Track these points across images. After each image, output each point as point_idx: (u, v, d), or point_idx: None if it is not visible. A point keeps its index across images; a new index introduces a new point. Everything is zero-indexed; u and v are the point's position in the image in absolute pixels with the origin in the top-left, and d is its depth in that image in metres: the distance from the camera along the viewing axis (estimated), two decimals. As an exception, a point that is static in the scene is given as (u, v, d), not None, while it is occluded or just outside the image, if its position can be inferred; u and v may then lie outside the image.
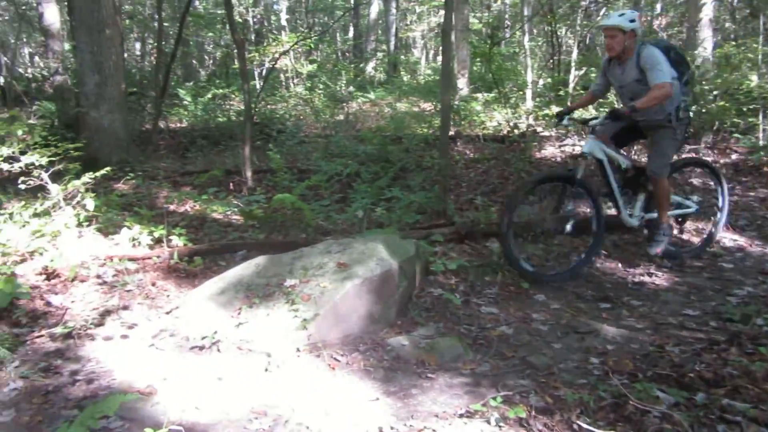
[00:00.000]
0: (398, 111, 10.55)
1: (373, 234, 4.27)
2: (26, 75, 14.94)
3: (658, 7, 16.07)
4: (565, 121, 4.67)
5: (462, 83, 11.04)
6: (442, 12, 18.68)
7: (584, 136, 4.41)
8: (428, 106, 11.95)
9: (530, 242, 4.56)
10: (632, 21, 4.16)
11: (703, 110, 7.80)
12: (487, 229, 4.84)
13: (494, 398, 2.55)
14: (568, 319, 3.59)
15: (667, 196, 4.51)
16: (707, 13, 8.88)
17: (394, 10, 18.18)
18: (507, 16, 18.27)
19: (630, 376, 2.71)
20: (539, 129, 8.69)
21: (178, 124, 11.10)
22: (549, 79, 10.90)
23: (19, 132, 4.65)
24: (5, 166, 4.47)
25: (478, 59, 12.73)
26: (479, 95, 10.56)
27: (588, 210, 4.66)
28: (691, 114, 4.59)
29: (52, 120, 9.98)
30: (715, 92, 8.08)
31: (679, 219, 4.94)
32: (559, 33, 11.05)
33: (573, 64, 10.62)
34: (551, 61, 11.41)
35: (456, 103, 9.05)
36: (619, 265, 4.62)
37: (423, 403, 2.62)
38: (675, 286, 4.23)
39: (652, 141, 4.57)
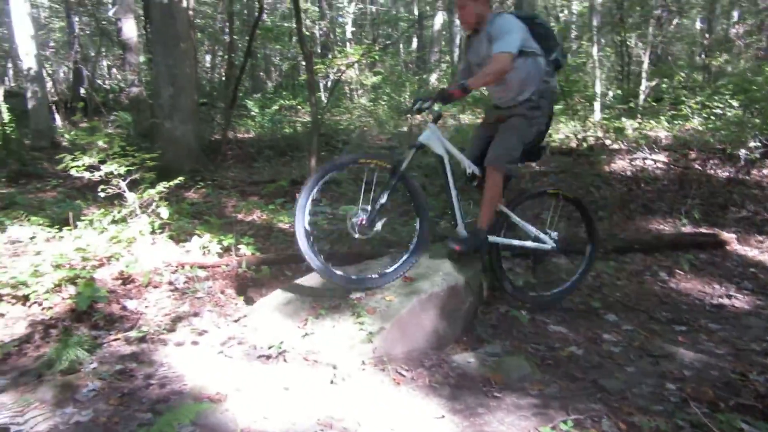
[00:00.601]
0: (462, 123, 10.48)
1: (438, 248, 4.23)
2: (104, 86, 15.72)
3: (735, 14, 15.41)
4: (417, 106, 3.65)
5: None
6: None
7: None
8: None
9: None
10: None
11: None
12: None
13: (564, 422, 2.47)
14: (642, 341, 3.45)
15: (496, 195, 3.69)
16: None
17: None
18: (574, 26, 17.93)
19: (710, 405, 2.58)
20: (608, 142, 8.45)
21: (246, 135, 11.39)
22: (618, 91, 10.59)
23: (100, 142, 4.87)
24: (86, 175, 4.68)
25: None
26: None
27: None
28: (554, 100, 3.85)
29: (128, 130, 10.45)
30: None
31: (533, 258, 4.15)
32: (629, 43, 10.75)
33: (644, 75, 10.30)
34: (621, 72, 11.11)
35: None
36: (696, 285, 4.41)
37: (490, 423, 2.57)
38: (758, 310, 4.01)
39: (499, 129, 3.77)
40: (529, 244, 3.91)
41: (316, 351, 3.14)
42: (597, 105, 9.76)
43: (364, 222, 3.47)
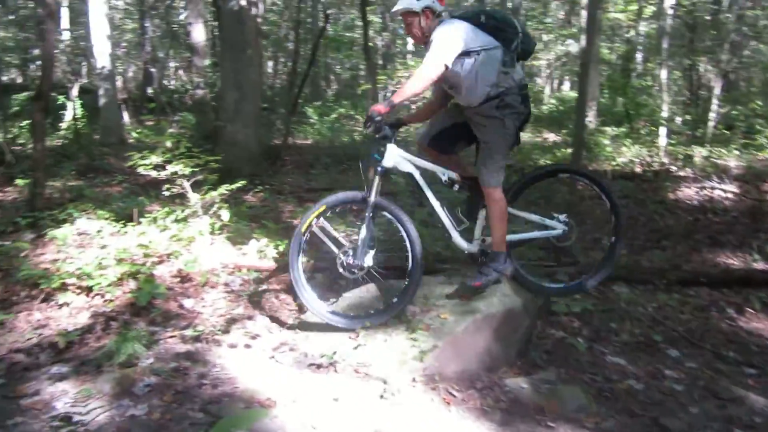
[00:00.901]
0: (526, 140, 10.34)
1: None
2: (170, 87, 16.25)
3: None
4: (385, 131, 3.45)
5: (590, 116, 10.66)
6: (569, 41, 18.27)
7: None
8: (551, 136, 11.65)
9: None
10: None
11: None
12: (615, 272, 4.56)
13: (623, 460, 2.37)
14: (707, 381, 3.28)
15: (501, 215, 3.45)
16: None
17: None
18: (640, 47, 17.51)
19: (782, 456, 2.43)
20: (673, 168, 8.19)
21: (304, 141, 11.54)
22: (687, 116, 10.26)
23: (168, 143, 5.01)
24: (153, 173, 4.82)
25: (605, 91, 12.26)
26: (607, 129, 10.13)
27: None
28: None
29: (191, 131, 10.73)
30: None
31: (552, 247, 3.83)
32: (698, 67, 10.41)
33: (714, 101, 9.94)
34: (689, 96, 10.77)
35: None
36: None
37: (543, 454, 2.49)
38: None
39: (479, 139, 3.52)
40: (535, 234, 3.69)
41: (368, 364, 3.12)
42: (663, 130, 9.46)
43: (351, 262, 3.45)
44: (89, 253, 4.33)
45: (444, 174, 3.62)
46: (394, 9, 3.47)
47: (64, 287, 3.93)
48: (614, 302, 4.24)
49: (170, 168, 4.72)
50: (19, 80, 22.25)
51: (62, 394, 2.86)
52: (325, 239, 3.56)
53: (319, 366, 3.19)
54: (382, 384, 2.99)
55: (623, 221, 3.88)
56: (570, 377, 3.21)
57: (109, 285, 3.90)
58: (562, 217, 3.72)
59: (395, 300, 3.39)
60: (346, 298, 3.73)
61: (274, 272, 4.41)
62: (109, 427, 2.56)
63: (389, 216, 3.47)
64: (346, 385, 2.99)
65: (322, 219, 3.53)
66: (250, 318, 3.77)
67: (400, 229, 3.44)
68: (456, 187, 3.65)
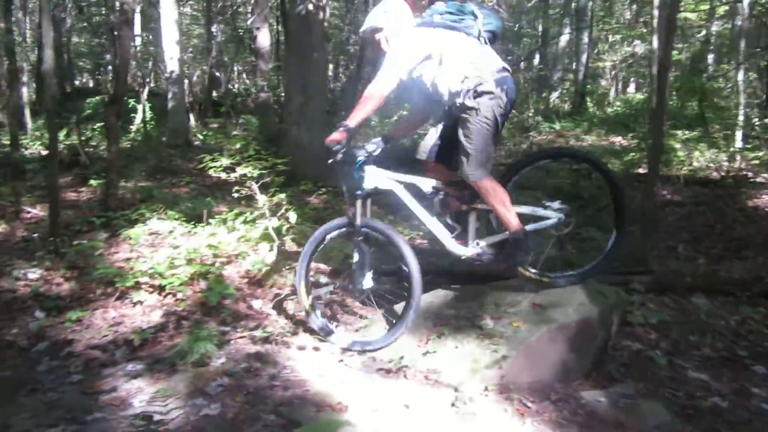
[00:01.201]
0: (588, 144, 10.07)
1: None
2: (233, 90, 16.60)
3: None
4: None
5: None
6: (636, 42, 17.69)
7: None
8: (618, 140, 11.31)
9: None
10: (386, 11, 3.33)
11: None
12: (693, 282, 4.36)
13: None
14: (800, 401, 3.08)
15: (500, 197, 3.27)
16: None
17: (586, 39, 17.52)
18: (712, 47, 16.79)
19: None
20: (750, 174, 7.78)
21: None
22: (766, 120, 9.75)
23: (237, 145, 5.09)
24: (222, 175, 4.90)
25: (675, 93, 11.79)
26: (678, 132, 9.73)
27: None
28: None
29: (255, 133, 10.93)
30: None
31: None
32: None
33: (795, 103, 9.40)
34: (766, 99, 10.24)
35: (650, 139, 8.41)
36: None
37: (625, 473, 2.37)
38: None
39: (459, 135, 3.33)
40: (529, 226, 3.42)
41: (438, 371, 3.07)
42: (739, 133, 9.02)
43: (351, 287, 3.53)
44: (161, 252, 4.45)
45: (427, 183, 3.56)
46: (361, 30, 3.48)
47: (137, 286, 4.04)
48: (693, 314, 4.03)
49: (239, 170, 4.79)
50: (90, 84, 23.33)
51: (138, 391, 2.93)
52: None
53: (388, 371, 3.16)
54: (453, 392, 2.93)
55: (627, 214, 3.60)
56: (649, 392, 3.06)
57: (181, 284, 3.98)
58: (555, 204, 3.48)
59: (393, 327, 3.37)
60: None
61: (338, 275, 4.41)
62: (186, 426, 2.60)
63: (380, 237, 3.42)
64: (417, 392, 2.95)
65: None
66: (317, 320, 3.76)
67: (393, 248, 3.38)
68: (441, 194, 3.57)
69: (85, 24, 19.49)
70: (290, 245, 4.85)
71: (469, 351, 3.10)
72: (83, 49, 21.67)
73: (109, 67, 18.73)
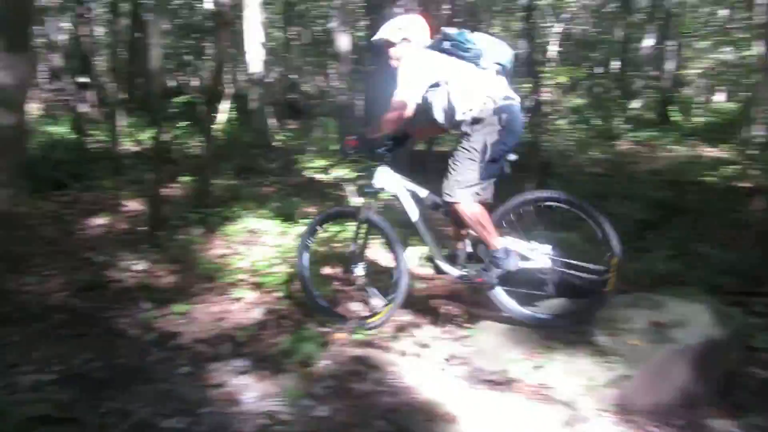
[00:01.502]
0: (679, 154, 9.62)
1: (668, 292, 3.77)
2: (312, 93, 16.88)
3: None
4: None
5: (762, 129, 9.68)
6: (726, 48, 16.84)
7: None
8: (710, 150, 10.78)
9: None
10: (400, 29, 3.44)
11: None
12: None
13: None
14: None
15: (478, 220, 3.28)
16: None
17: (673, 45, 16.83)
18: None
19: None
20: None
21: (444, 148, 11.44)
22: None
23: (331, 147, 5.11)
24: (317, 176, 4.93)
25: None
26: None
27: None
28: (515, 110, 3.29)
29: (333, 135, 11.00)
30: None
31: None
32: None
33: None
34: None
35: (754, 151, 7.95)
36: None
37: None
38: None
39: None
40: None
41: (549, 387, 2.94)
42: None
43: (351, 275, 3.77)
44: (256, 250, 4.50)
45: (429, 195, 3.58)
46: (374, 39, 3.62)
47: (237, 282, 4.09)
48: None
49: (334, 172, 4.80)
50: (172, 83, 24.17)
51: (245, 387, 2.94)
52: None
53: (494, 383, 3.06)
54: (566, 410, 2.80)
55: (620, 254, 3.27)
56: (783, 424, 2.84)
57: (279, 283, 4.00)
58: (543, 247, 3.40)
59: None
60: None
61: (435, 280, 4.33)
62: (299, 425, 2.59)
63: (381, 234, 3.67)
64: (527, 407, 2.84)
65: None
66: (417, 326, 3.70)
67: (390, 248, 3.60)
68: (440, 209, 3.55)
69: (167, 26, 20.23)
70: (381, 248, 4.79)
71: (583, 368, 2.96)
72: (169, 50, 22.49)
73: (190, 68, 19.35)
